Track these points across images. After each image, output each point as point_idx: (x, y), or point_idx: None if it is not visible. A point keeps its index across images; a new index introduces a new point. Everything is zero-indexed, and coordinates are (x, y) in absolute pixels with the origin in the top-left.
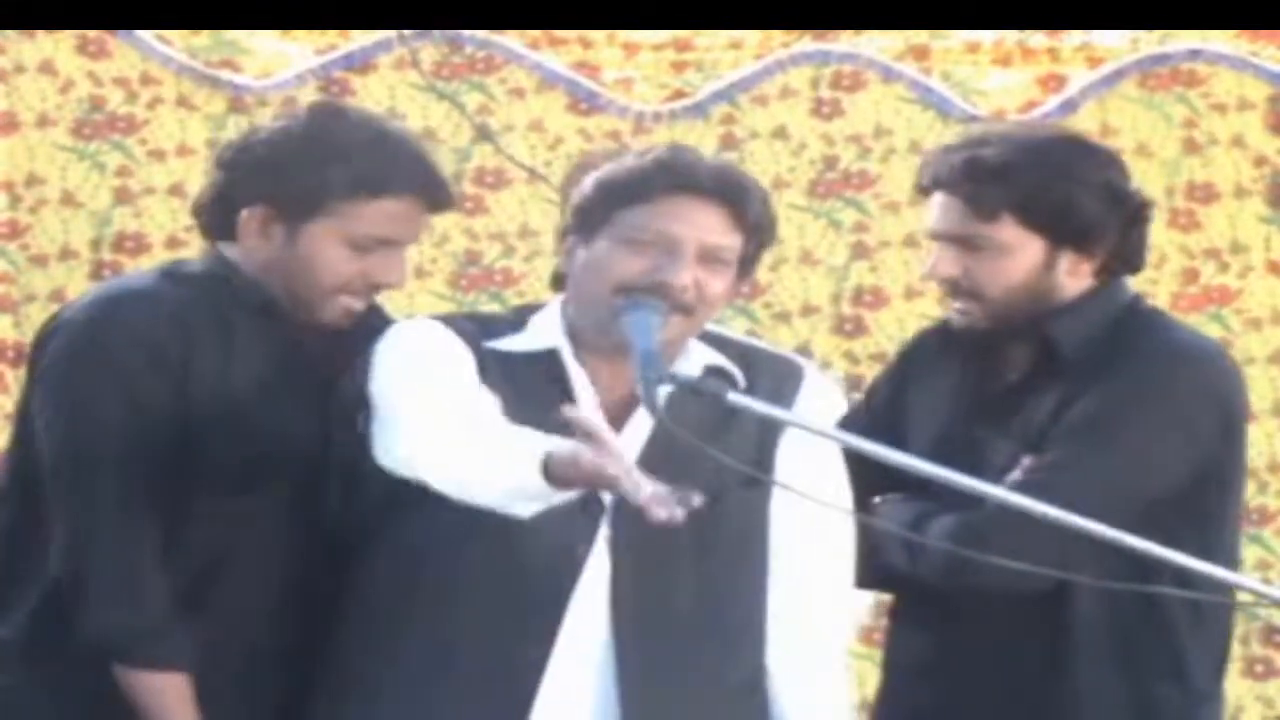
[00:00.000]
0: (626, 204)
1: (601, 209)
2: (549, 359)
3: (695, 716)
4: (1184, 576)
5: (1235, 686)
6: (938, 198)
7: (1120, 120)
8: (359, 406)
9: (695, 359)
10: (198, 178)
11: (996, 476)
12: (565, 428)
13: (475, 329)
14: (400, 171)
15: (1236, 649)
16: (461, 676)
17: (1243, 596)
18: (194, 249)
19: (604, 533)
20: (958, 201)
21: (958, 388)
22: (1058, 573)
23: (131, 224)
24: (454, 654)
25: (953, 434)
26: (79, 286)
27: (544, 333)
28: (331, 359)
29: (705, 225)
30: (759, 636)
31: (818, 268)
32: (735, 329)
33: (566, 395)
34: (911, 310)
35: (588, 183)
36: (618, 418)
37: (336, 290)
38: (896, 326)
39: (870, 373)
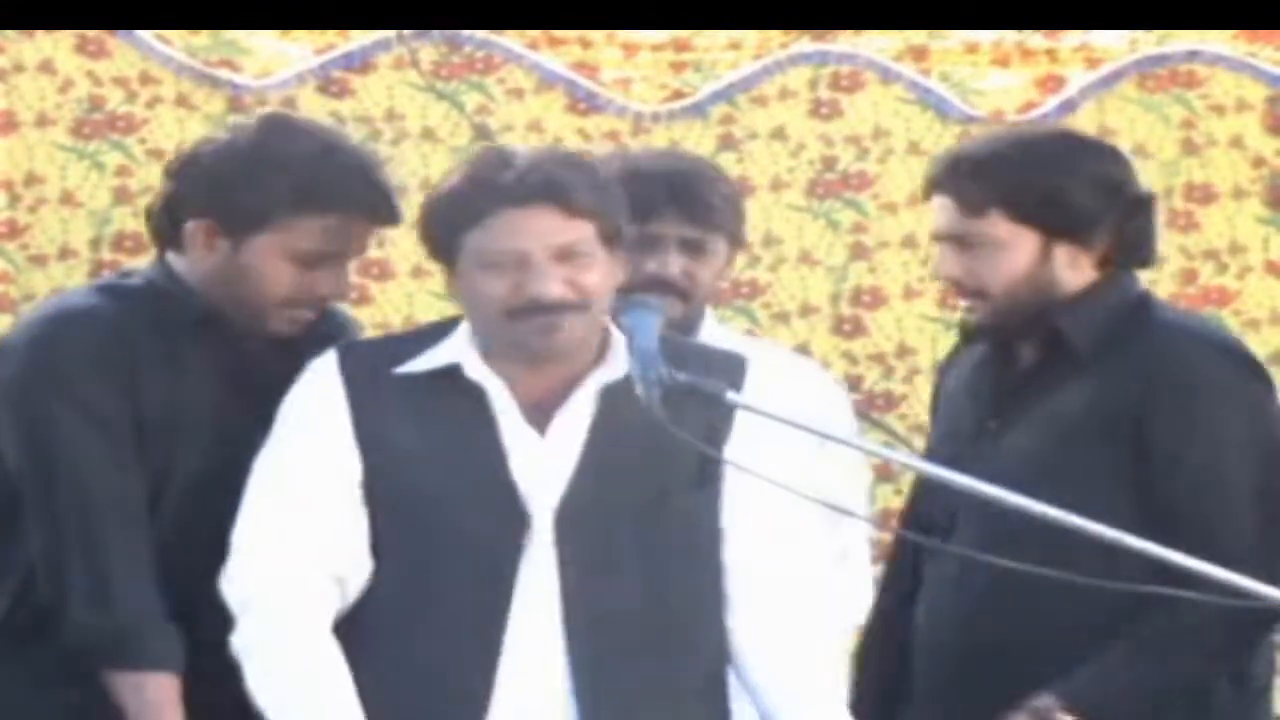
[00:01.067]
0: (464, 231)
1: (446, 238)
2: (455, 374)
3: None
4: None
5: None
6: (935, 200)
7: (1119, 121)
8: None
9: (620, 359)
10: None
11: (1011, 465)
12: (484, 444)
13: (383, 359)
14: (344, 188)
15: None
16: (411, 710)
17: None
18: None
19: (536, 544)
20: (947, 200)
21: (977, 381)
22: (1057, 574)
23: (131, 224)
24: (399, 688)
25: (970, 425)
26: (78, 286)
27: (451, 348)
28: (278, 367)
29: (540, 230)
30: (714, 638)
31: (816, 268)
32: (734, 329)
33: (480, 405)
34: (910, 310)
35: (425, 212)
36: (539, 421)
37: (281, 303)
38: (895, 327)
39: (869, 373)
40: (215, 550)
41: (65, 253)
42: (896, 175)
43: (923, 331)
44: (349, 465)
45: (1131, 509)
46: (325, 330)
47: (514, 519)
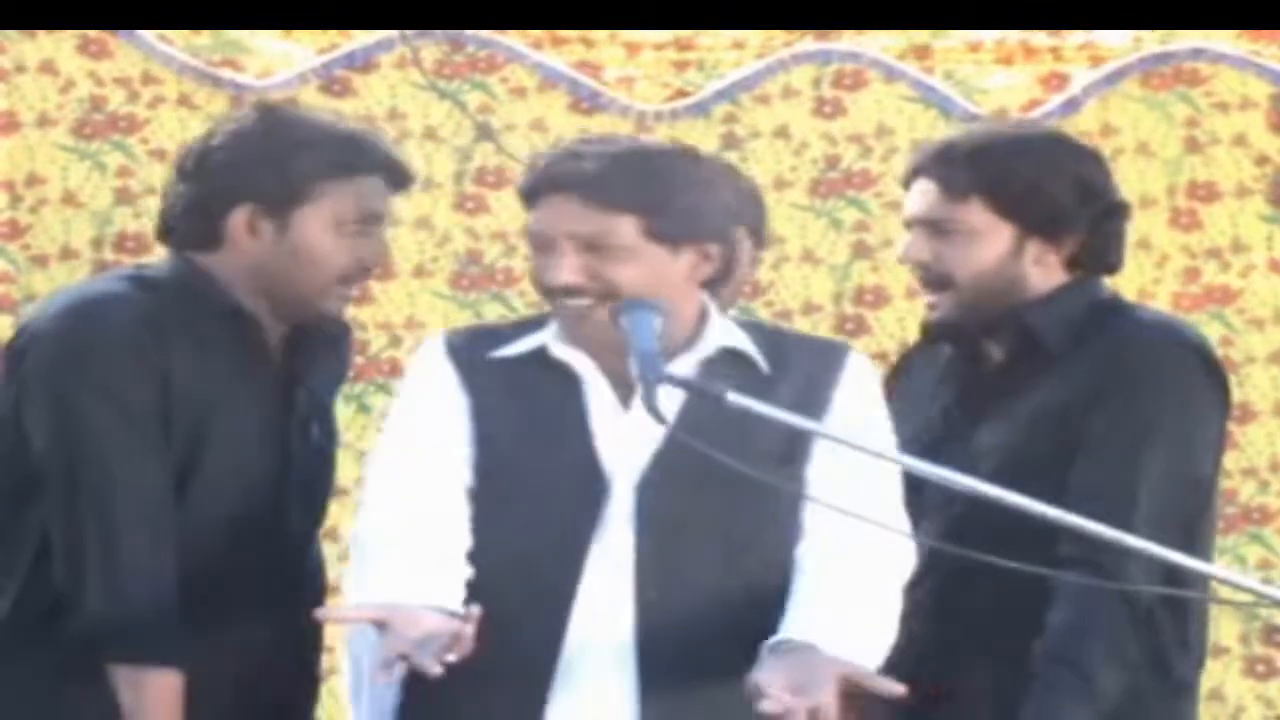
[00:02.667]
0: (528, 211)
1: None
2: (544, 355)
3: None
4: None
5: (1236, 686)
6: (915, 184)
7: (1122, 119)
8: (314, 417)
9: (711, 339)
10: None
11: (988, 465)
12: (571, 419)
13: (482, 345)
14: (364, 151)
15: (1237, 649)
16: (477, 675)
17: (1242, 596)
18: None
19: (614, 515)
20: (931, 184)
21: (943, 381)
22: (1044, 570)
23: (132, 224)
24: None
25: (938, 426)
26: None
27: (544, 331)
28: (291, 367)
29: (561, 219)
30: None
31: (819, 267)
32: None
33: (568, 382)
34: (913, 309)
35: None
36: (626, 397)
37: (336, 278)
38: (898, 326)
39: None
40: (240, 543)
41: (67, 253)
42: (900, 174)
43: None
44: (464, 450)
45: None
46: (329, 331)
47: (593, 489)
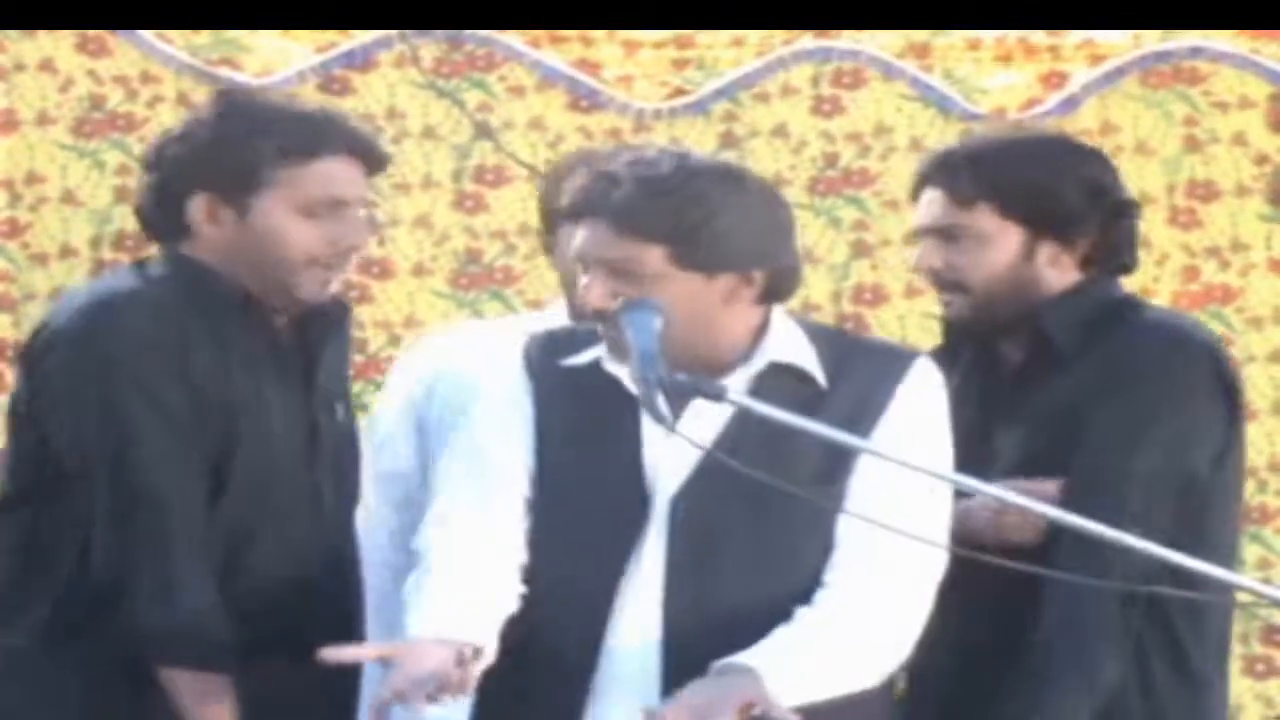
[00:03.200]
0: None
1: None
2: (598, 368)
3: None
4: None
5: (1235, 685)
6: (923, 193)
7: (1121, 118)
8: (339, 397)
9: (764, 354)
10: None
11: (1004, 465)
12: (623, 431)
13: (555, 352)
14: (324, 132)
15: (1236, 648)
16: (516, 682)
17: (1242, 596)
18: None
19: (653, 529)
20: (939, 192)
21: (964, 385)
22: (1047, 571)
23: (131, 223)
24: (507, 668)
25: (963, 428)
26: (79, 285)
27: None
28: (304, 349)
29: (591, 243)
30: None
31: (818, 266)
32: None
33: (623, 395)
34: (912, 308)
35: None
36: (678, 410)
37: (306, 262)
38: (897, 324)
39: None
40: (280, 528)
41: (66, 252)
42: (898, 173)
43: (924, 329)
44: (526, 460)
45: None
46: (335, 314)
47: (634, 502)
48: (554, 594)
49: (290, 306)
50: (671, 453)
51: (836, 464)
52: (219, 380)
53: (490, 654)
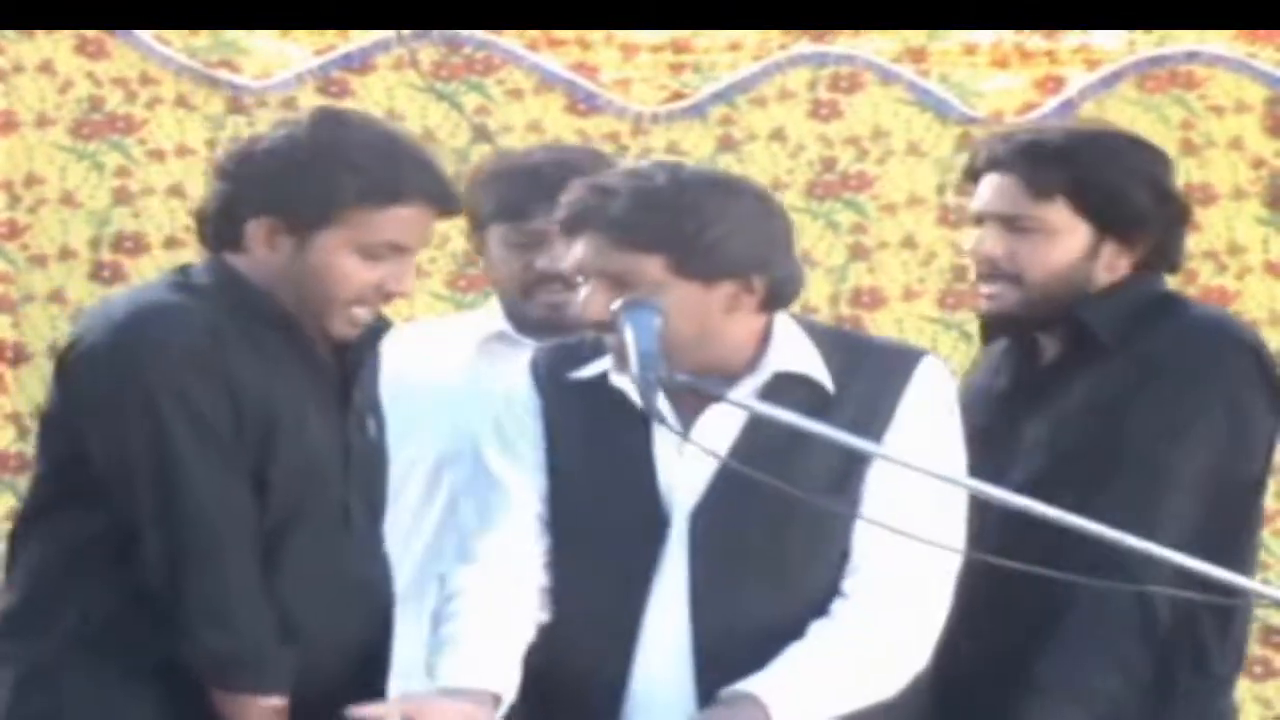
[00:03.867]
0: None
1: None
2: (606, 381)
3: None
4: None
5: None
6: (990, 178)
7: (1118, 121)
8: (370, 413)
9: (769, 365)
10: (197, 178)
11: (1033, 458)
12: (634, 447)
13: (563, 364)
14: (409, 178)
15: None
16: (545, 711)
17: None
18: (193, 249)
19: (673, 544)
20: (1013, 181)
21: (996, 377)
22: (1051, 572)
23: (130, 224)
24: (538, 685)
25: (993, 419)
26: (78, 286)
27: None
28: (342, 365)
29: (586, 256)
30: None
31: (816, 269)
32: None
33: (633, 409)
34: (910, 311)
35: None
36: (688, 423)
37: (350, 301)
38: (894, 328)
39: None
40: (314, 547)
41: (65, 253)
42: (896, 176)
43: (922, 332)
44: (539, 480)
45: None
46: (373, 328)
47: (653, 520)
48: (575, 623)
49: (322, 335)
50: (686, 468)
51: (849, 469)
52: (259, 396)
53: (512, 693)
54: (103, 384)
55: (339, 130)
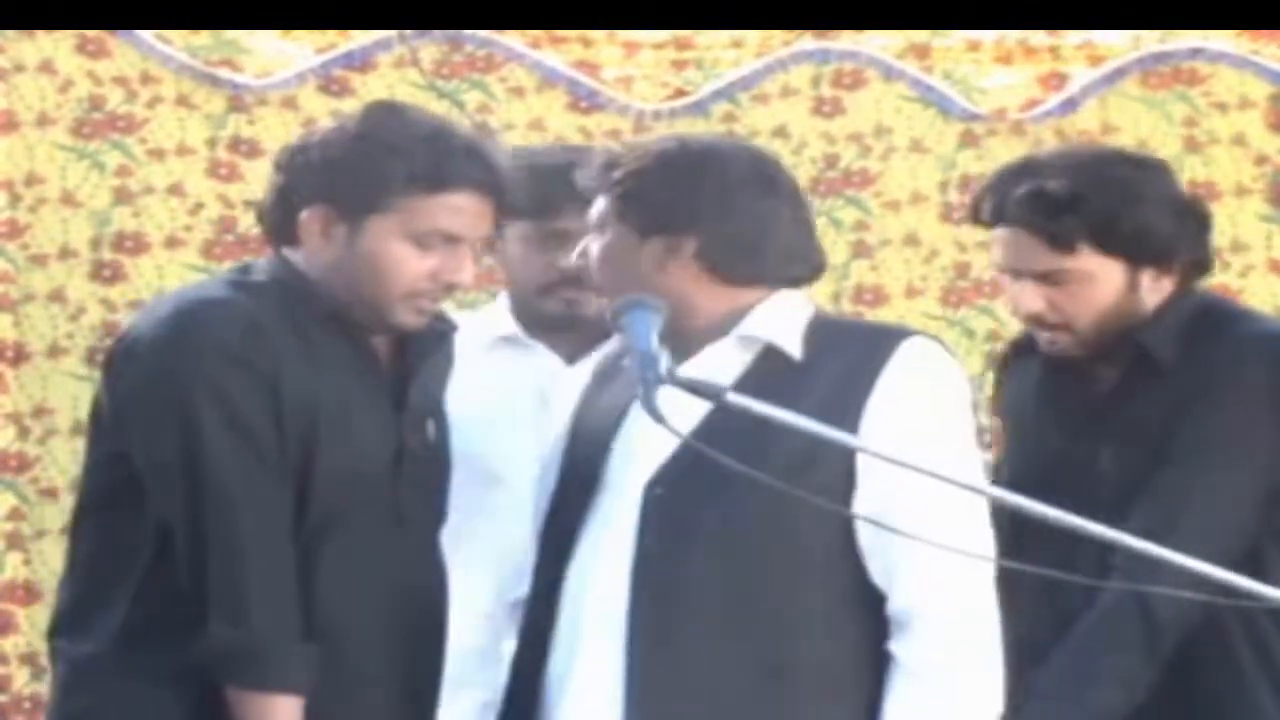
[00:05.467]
0: None
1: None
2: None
3: (707, 691)
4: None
5: None
6: (1007, 233)
7: (1121, 119)
8: (429, 414)
9: (745, 326)
10: (197, 177)
11: (1111, 485)
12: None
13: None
14: (458, 166)
15: None
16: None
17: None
18: (193, 249)
19: (619, 514)
20: (1031, 237)
21: (1050, 400)
22: (1061, 575)
23: (131, 223)
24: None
25: (1059, 449)
26: (78, 286)
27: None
28: (396, 365)
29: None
30: (792, 622)
31: None
32: None
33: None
34: (912, 309)
35: None
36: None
37: (406, 292)
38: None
39: None
40: (351, 560)
41: (65, 252)
42: (899, 173)
43: (925, 329)
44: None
45: None
46: (435, 327)
47: (592, 486)
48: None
49: (384, 329)
50: (641, 436)
51: (816, 452)
52: (303, 394)
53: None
54: (142, 378)
55: (389, 119)
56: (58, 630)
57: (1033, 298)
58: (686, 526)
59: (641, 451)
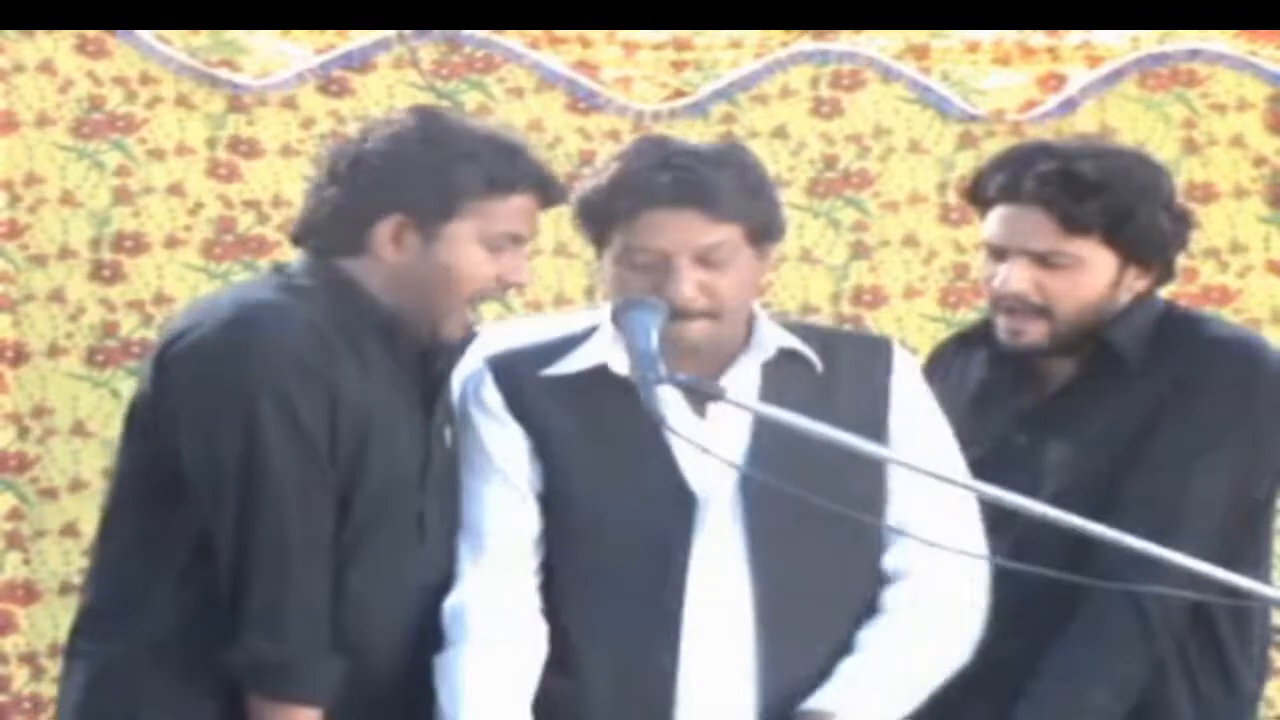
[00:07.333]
0: (614, 227)
1: (596, 231)
2: (605, 372)
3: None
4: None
5: None
6: (1014, 210)
7: (1120, 120)
8: (449, 422)
9: (769, 341)
10: (197, 177)
11: (1057, 482)
12: (645, 435)
13: (530, 365)
14: (524, 167)
15: None
16: (598, 690)
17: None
18: (193, 248)
19: (710, 522)
20: (1044, 215)
21: (991, 391)
22: (1060, 574)
23: (130, 223)
24: (588, 683)
25: (992, 436)
26: (78, 286)
27: (597, 347)
28: (430, 373)
29: (684, 233)
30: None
31: (817, 267)
32: None
33: (636, 398)
34: (911, 309)
35: (581, 201)
36: (697, 405)
37: (475, 294)
38: (895, 326)
39: None
40: (382, 565)
41: (65, 252)
42: (897, 174)
43: (923, 331)
44: (529, 491)
45: None
46: (462, 342)
47: (681, 502)
48: (621, 616)
49: (432, 339)
50: (710, 442)
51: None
52: (358, 406)
53: None
54: (206, 377)
55: (447, 126)
56: (82, 628)
57: (1021, 278)
58: (788, 520)
59: (706, 462)
